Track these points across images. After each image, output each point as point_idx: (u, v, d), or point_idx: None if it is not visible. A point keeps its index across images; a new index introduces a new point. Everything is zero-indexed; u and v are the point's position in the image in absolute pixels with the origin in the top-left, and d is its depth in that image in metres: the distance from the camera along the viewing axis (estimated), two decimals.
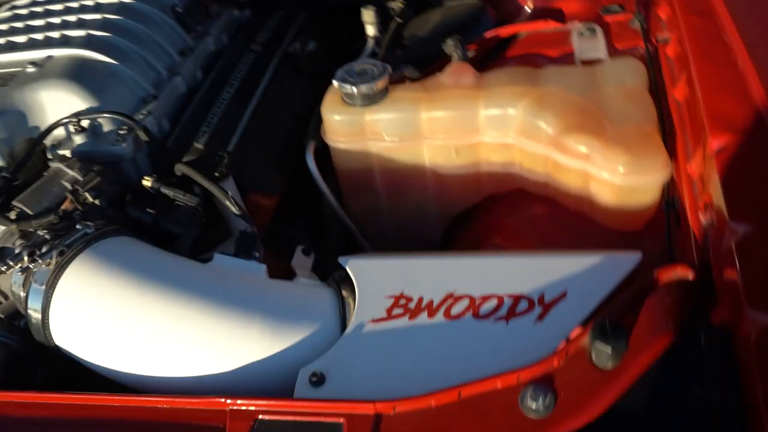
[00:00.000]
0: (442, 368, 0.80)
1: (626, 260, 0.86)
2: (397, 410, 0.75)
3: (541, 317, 0.83)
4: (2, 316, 0.97)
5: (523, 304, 0.84)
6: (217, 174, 1.03)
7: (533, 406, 0.72)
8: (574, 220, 1.05)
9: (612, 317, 0.77)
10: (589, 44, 1.13)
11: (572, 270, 0.86)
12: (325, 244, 1.23)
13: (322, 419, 0.75)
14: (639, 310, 0.80)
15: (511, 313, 0.84)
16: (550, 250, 0.91)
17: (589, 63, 1.11)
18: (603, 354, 0.73)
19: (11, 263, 0.90)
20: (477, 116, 1.03)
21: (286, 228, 1.22)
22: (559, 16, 1.28)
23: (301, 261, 1.17)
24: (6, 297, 0.99)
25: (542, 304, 0.84)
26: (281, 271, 1.16)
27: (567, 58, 1.15)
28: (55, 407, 0.83)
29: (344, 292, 0.90)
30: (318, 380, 0.79)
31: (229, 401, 0.78)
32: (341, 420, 0.75)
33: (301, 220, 1.25)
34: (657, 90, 1.00)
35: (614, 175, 0.92)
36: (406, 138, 1.08)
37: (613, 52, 1.14)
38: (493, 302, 0.85)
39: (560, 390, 0.73)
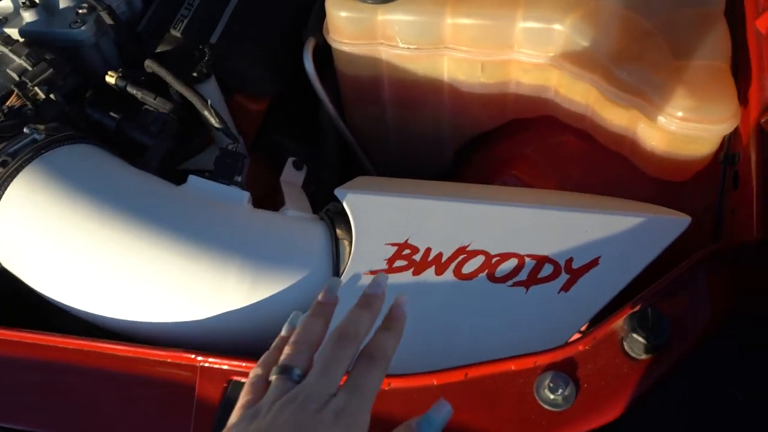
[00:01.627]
0: (448, 339, 0.70)
1: (673, 225, 0.73)
2: (392, 386, 0.65)
3: (567, 287, 0.71)
4: None
5: (547, 269, 0.72)
6: (195, 74, 0.86)
7: (551, 396, 0.62)
8: (609, 161, 0.91)
9: (653, 302, 0.65)
10: None
11: (608, 231, 0.73)
12: (319, 157, 1.08)
13: None
14: (682, 292, 0.68)
15: (533, 279, 0.72)
16: (581, 203, 0.78)
17: None
18: (639, 344, 0.63)
19: None
20: (513, 28, 0.85)
21: (277, 136, 1.07)
22: None
23: (291, 175, 1.03)
24: None
25: (569, 271, 0.72)
26: (267, 183, 1.03)
27: None
28: (4, 344, 0.73)
29: (339, 232, 0.77)
30: None
31: (200, 358, 0.68)
32: None
33: (294, 128, 1.09)
34: (734, 18, 0.83)
35: (670, 120, 0.77)
36: (424, 46, 0.90)
37: None
38: (512, 263, 0.72)
39: (583, 380, 0.63)
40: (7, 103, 0.81)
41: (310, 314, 0.53)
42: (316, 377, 0.48)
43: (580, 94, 0.87)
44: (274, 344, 0.55)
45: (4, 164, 0.75)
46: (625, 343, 0.64)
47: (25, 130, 0.78)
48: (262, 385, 0.51)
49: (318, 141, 1.09)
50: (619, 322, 0.65)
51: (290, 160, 1.03)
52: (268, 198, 0.97)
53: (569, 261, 0.72)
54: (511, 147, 1.03)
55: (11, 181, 0.74)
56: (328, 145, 1.08)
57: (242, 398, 0.50)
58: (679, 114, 0.76)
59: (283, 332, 0.56)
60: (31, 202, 0.74)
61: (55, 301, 0.75)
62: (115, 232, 0.72)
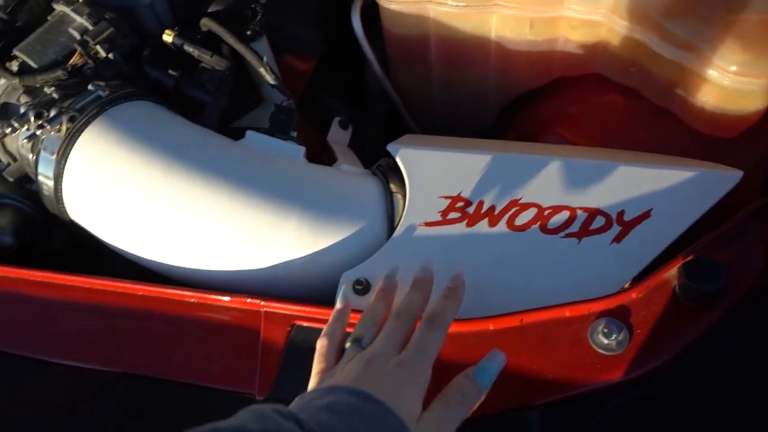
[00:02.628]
0: (501, 287, 0.72)
1: (724, 179, 0.74)
2: (450, 330, 0.67)
3: (619, 238, 0.73)
4: (11, 179, 0.88)
5: (599, 221, 0.73)
6: (249, 32, 0.88)
7: (604, 341, 0.65)
8: (656, 118, 0.91)
9: (707, 251, 0.67)
10: None
11: (660, 185, 0.74)
12: (365, 118, 1.10)
13: None
14: (735, 242, 0.70)
15: (585, 230, 0.73)
16: (632, 158, 0.78)
17: None
18: (692, 292, 0.64)
19: (16, 125, 0.79)
20: None
21: (323, 95, 1.09)
22: None
23: (337, 135, 1.05)
24: (14, 159, 0.89)
25: (622, 223, 0.73)
26: (314, 142, 1.05)
27: None
28: (73, 290, 0.77)
29: (393, 186, 0.79)
30: (363, 288, 0.71)
31: (263, 303, 0.71)
32: None
33: (340, 88, 1.10)
34: None
35: (723, 75, 0.77)
36: (472, 3, 0.90)
37: None
38: (565, 215, 0.74)
39: (636, 326, 0.65)
40: (71, 62, 0.84)
41: (375, 299, 0.67)
42: (381, 342, 0.59)
43: (629, 50, 0.87)
44: (332, 317, 0.65)
45: (72, 119, 0.78)
46: (678, 291, 0.65)
47: (89, 86, 0.81)
48: (332, 354, 0.61)
49: (363, 101, 1.10)
50: (672, 271, 0.67)
51: (336, 119, 1.05)
52: (314, 157, 0.99)
53: (621, 213, 0.73)
54: (555, 106, 1.03)
55: (80, 135, 0.78)
56: (373, 105, 1.09)
57: (316, 366, 0.60)
58: (732, 68, 0.76)
59: (338, 305, 0.66)
60: (99, 154, 0.77)
61: (123, 250, 0.79)
62: (182, 182, 0.75)
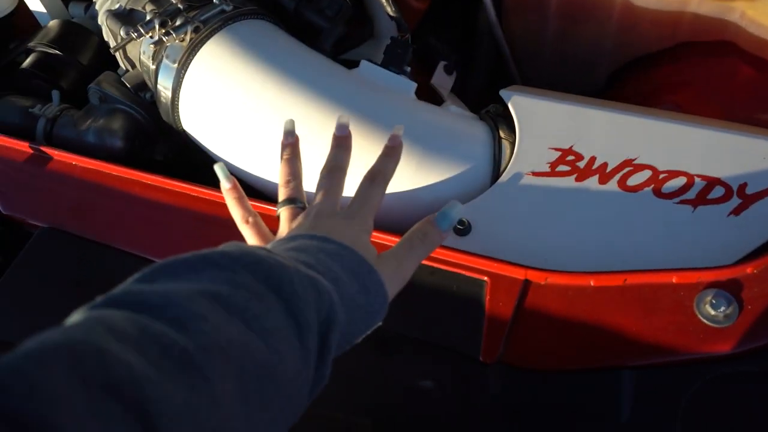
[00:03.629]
0: (607, 247, 0.70)
1: None
2: (549, 281, 0.67)
3: (737, 211, 0.69)
4: (129, 85, 0.91)
5: (717, 191, 0.70)
6: None
7: (711, 312, 0.62)
8: None
9: None
10: None
11: None
12: (470, 64, 1.08)
13: (464, 272, 0.68)
14: None
15: (702, 198, 0.70)
16: (755, 130, 0.74)
17: None
18: None
19: (142, 30, 0.81)
20: None
21: (431, 37, 1.07)
22: None
23: (441, 79, 1.04)
24: (133, 65, 0.92)
25: (743, 196, 0.70)
26: (418, 83, 1.04)
27: None
28: (181, 196, 0.80)
29: (501, 132, 0.77)
30: (463, 229, 0.71)
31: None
32: (485, 278, 0.68)
33: (448, 32, 1.08)
34: None
35: None
36: None
37: None
38: (681, 180, 0.71)
39: (748, 302, 0.63)
40: None
41: (286, 159, 0.68)
42: (322, 198, 0.63)
43: None
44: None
45: (196, 30, 0.79)
46: None
47: (214, 1, 0.82)
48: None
49: (470, 48, 1.08)
50: None
51: (442, 63, 1.04)
52: (418, 98, 0.98)
53: (743, 186, 0.70)
54: (673, 72, 0.98)
55: (202, 46, 0.79)
56: (481, 52, 1.07)
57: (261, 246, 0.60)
58: None
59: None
60: (219, 66, 0.78)
61: (228, 162, 0.81)
62: (295, 101, 0.75)
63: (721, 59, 0.92)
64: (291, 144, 0.69)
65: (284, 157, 0.68)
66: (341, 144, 0.67)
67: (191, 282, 0.42)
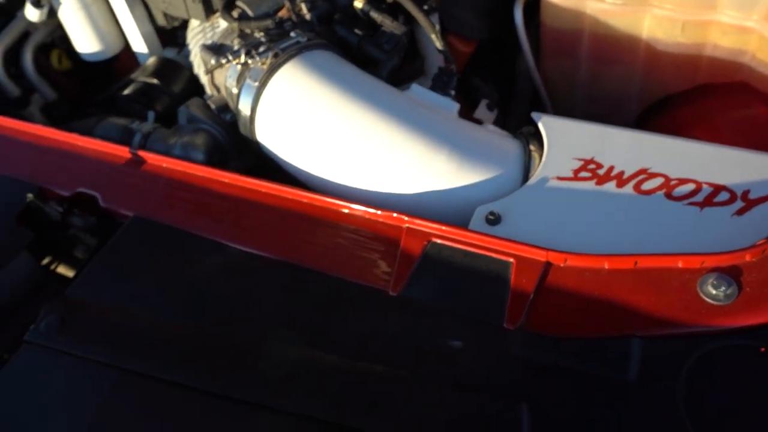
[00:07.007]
0: (621, 239, 0.79)
1: None
2: (568, 263, 0.76)
3: (741, 212, 0.78)
4: (213, 107, 1.07)
5: (723, 195, 0.79)
6: (426, 7, 1.02)
7: (713, 291, 0.70)
8: None
9: None
10: None
11: None
12: (510, 103, 1.21)
13: (492, 255, 0.78)
14: None
15: (708, 201, 0.79)
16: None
17: None
18: None
19: (230, 57, 0.98)
20: None
21: (475, 78, 1.21)
22: None
23: (483, 115, 1.17)
24: (218, 91, 1.09)
25: (745, 200, 0.78)
26: (462, 116, 1.17)
27: None
28: (251, 191, 0.92)
29: (532, 147, 0.89)
30: (494, 219, 0.81)
31: (407, 218, 0.83)
32: (511, 259, 0.77)
33: (491, 73, 1.22)
34: None
35: None
36: (630, 2, 0.99)
37: None
38: (690, 186, 0.80)
39: (746, 285, 0.70)
40: (278, 14, 1.02)
41: None
42: None
43: None
44: None
45: (276, 55, 0.95)
46: None
47: (291, 34, 0.99)
48: None
49: (510, 88, 1.21)
50: None
51: (484, 101, 1.17)
52: None
53: (746, 192, 0.78)
54: (696, 112, 1.08)
55: (280, 68, 0.95)
56: (520, 93, 1.20)
57: None
58: None
59: None
60: (293, 85, 0.93)
61: (298, 169, 0.94)
62: (358, 113, 0.89)
63: (736, 99, 1.02)
64: None
65: None
66: None
67: None
